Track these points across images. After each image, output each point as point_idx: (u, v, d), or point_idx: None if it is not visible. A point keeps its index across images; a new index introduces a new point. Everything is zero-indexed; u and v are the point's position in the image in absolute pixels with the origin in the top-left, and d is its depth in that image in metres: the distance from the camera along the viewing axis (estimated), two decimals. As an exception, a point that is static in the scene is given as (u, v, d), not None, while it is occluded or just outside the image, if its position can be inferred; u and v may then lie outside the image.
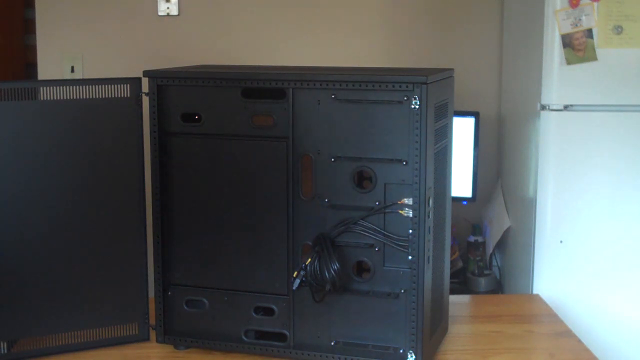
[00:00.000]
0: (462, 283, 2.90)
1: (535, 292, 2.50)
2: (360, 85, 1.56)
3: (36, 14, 3.02)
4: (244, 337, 1.70)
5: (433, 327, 1.67)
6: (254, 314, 1.68)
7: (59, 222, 1.69)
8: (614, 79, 2.42)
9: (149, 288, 1.78)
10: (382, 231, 1.58)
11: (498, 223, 2.87)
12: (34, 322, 1.70)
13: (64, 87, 1.67)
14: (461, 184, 2.79)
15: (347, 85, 1.56)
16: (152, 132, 1.69)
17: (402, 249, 1.58)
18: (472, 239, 2.96)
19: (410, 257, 1.57)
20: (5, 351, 1.69)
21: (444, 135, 1.69)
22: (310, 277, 1.58)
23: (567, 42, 2.41)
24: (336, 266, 1.56)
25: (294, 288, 1.61)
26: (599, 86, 2.42)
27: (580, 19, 2.40)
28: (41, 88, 1.67)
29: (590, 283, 2.48)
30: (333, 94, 1.58)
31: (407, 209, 1.56)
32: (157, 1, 3.02)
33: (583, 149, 2.46)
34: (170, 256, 1.73)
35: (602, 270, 2.48)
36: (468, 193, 2.84)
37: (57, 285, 1.70)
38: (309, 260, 1.58)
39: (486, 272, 2.89)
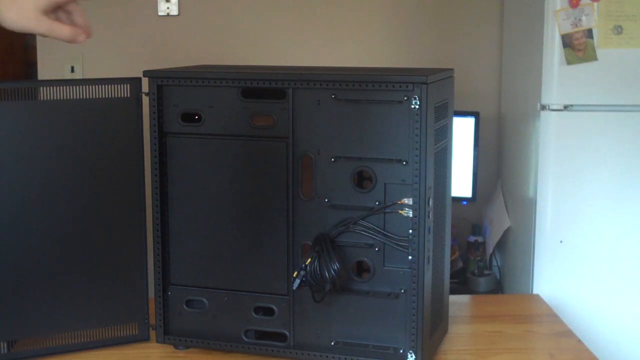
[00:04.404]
0: (462, 283, 2.90)
1: (535, 292, 2.50)
2: (360, 85, 1.56)
3: (36, 14, 3.01)
4: (244, 337, 1.70)
5: (433, 327, 1.67)
6: (254, 314, 1.68)
7: (59, 222, 1.69)
8: (614, 79, 2.42)
9: (149, 288, 1.78)
10: (382, 231, 1.58)
11: (498, 223, 2.87)
12: (34, 322, 1.70)
13: (64, 87, 1.67)
14: (461, 184, 2.80)
15: (347, 85, 1.56)
16: (152, 132, 1.69)
17: (402, 249, 1.58)
18: (472, 239, 2.97)
19: (410, 257, 1.57)
20: (5, 351, 1.69)
21: (444, 135, 1.69)
22: (310, 277, 1.58)
23: (567, 42, 2.41)
24: (336, 266, 1.56)
25: (294, 288, 1.61)
26: (599, 86, 2.42)
27: (580, 19, 2.40)
28: (41, 88, 1.67)
29: (590, 283, 2.49)
30: (333, 94, 1.58)
31: (407, 209, 1.56)
32: (157, 1, 3.03)
33: (583, 149, 2.46)
34: (170, 256, 1.73)
35: (602, 270, 2.48)
36: (468, 193, 2.85)
37: (57, 285, 1.70)
38: (309, 260, 1.58)
39: (486, 272, 2.89)
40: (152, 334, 1.77)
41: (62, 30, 1.22)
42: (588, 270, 2.48)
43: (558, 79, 2.44)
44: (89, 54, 2.99)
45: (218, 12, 3.07)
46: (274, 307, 1.67)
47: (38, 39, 3.00)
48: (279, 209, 1.64)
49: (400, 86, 1.53)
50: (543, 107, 2.47)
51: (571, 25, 2.40)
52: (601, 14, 2.39)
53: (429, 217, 1.57)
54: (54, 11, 1.22)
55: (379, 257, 1.60)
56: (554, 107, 2.45)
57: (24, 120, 1.65)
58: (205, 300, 1.71)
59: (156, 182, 1.70)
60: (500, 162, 3.07)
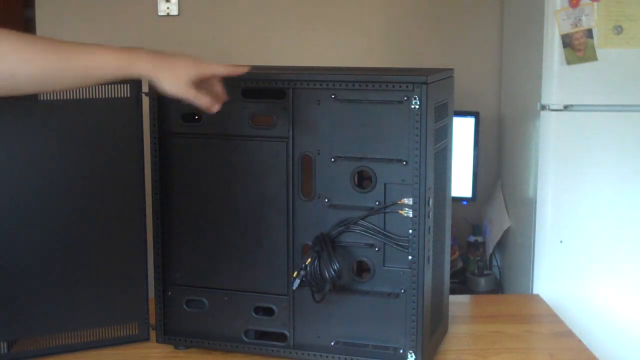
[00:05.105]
0: (462, 283, 2.90)
1: (535, 292, 2.50)
2: (360, 85, 1.55)
3: (36, 14, 3.02)
4: (244, 337, 1.70)
5: (433, 327, 1.67)
6: (254, 314, 1.68)
7: (59, 222, 1.69)
8: (614, 79, 2.42)
9: (149, 288, 1.78)
10: (382, 231, 1.58)
11: (498, 223, 2.87)
12: (34, 322, 1.70)
13: (64, 87, 1.66)
14: (461, 184, 2.80)
15: (347, 85, 1.56)
16: (152, 132, 1.69)
17: (402, 249, 1.58)
18: (472, 239, 2.96)
19: (410, 257, 1.57)
20: (5, 351, 1.69)
21: (444, 135, 1.69)
22: (310, 277, 1.58)
23: (567, 42, 2.41)
24: (336, 266, 1.56)
25: (294, 288, 1.61)
26: (599, 86, 2.42)
27: (580, 19, 2.40)
28: (41, 88, 1.66)
29: (590, 283, 2.48)
30: (333, 94, 1.58)
31: (407, 209, 1.56)
32: (157, 1, 3.03)
33: (583, 149, 2.46)
34: (170, 256, 1.73)
35: (602, 270, 2.48)
36: (468, 193, 2.84)
37: (57, 285, 1.70)
38: (309, 260, 1.58)
39: (486, 272, 2.89)
40: (152, 334, 1.77)
41: (204, 99, 1.47)
42: (588, 270, 2.48)
43: (558, 79, 2.44)
44: (89, 54, 2.99)
45: (218, 12, 3.07)
46: (274, 307, 1.67)
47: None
48: (279, 209, 1.64)
49: (400, 86, 1.53)
50: (543, 107, 2.47)
51: (571, 25, 2.40)
52: (601, 14, 2.39)
53: (429, 217, 1.57)
54: (197, 82, 1.46)
55: (379, 257, 1.60)
56: (554, 107, 2.45)
57: (24, 120, 1.65)
58: (205, 300, 1.71)
59: (156, 182, 1.70)
60: (500, 162, 3.07)
